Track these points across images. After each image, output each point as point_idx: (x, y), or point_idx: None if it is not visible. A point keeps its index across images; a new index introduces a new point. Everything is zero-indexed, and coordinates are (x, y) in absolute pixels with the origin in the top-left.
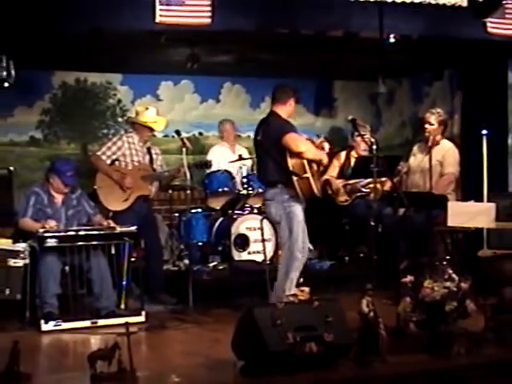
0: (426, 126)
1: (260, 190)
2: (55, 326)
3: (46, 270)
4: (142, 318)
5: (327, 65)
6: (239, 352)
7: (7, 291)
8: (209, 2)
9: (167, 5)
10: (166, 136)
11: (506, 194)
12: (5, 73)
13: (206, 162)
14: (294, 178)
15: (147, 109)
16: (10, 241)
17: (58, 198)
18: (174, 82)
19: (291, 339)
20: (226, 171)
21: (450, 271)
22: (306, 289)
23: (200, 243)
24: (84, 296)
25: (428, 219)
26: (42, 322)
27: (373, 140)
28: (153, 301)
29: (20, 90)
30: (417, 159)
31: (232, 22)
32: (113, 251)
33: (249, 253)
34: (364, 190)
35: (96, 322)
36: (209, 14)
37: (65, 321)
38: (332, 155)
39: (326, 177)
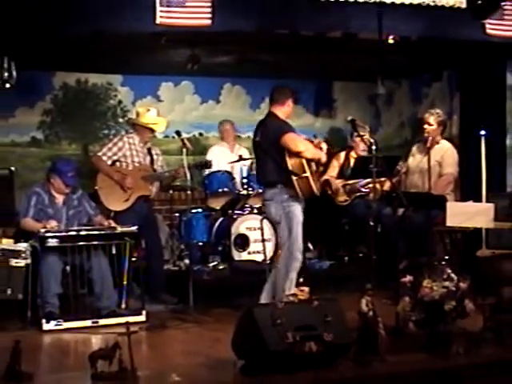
0: (425, 126)
1: (260, 191)
2: (56, 325)
3: (48, 270)
4: (142, 318)
5: (327, 66)
6: (239, 351)
7: (9, 291)
8: (209, 4)
9: (168, 6)
10: (166, 137)
11: (504, 194)
12: (6, 74)
13: (207, 162)
14: (294, 178)
15: (148, 110)
16: (12, 241)
17: (59, 199)
18: (174, 83)
19: (291, 339)
20: (226, 171)
21: (449, 271)
22: (306, 288)
23: (200, 243)
24: (85, 296)
25: (427, 219)
26: (44, 321)
27: (372, 140)
28: (153, 300)
29: (21, 90)
30: (416, 159)
31: (232, 23)
32: (114, 251)
33: (249, 253)
34: (363, 190)
35: (97, 322)
36: (209, 15)
37: (66, 320)
38: (331, 155)
39: (325, 177)
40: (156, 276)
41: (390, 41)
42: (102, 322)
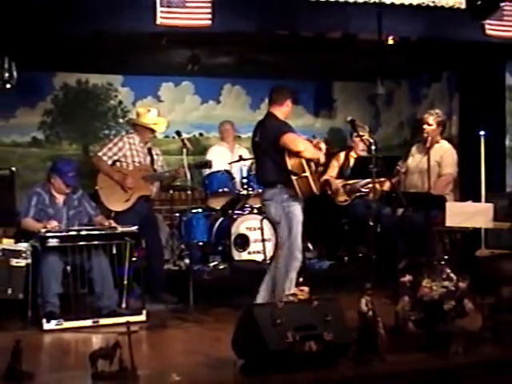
0: (425, 126)
1: (260, 191)
2: (57, 325)
3: (48, 270)
4: (143, 317)
5: (327, 66)
6: (239, 351)
7: (9, 291)
8: (209, 4)
9: (168, 7)
10: (166, 137)
11: (503, 194)
12: (7, 74)
13: (207, 161)
14: (293, 178)
15: (149, 110)
16: (12, 241)
17: (60, 199)
18: (174, 84)
19: (291, 338)
20: (226, 171)
21: (448, 271)
22: (306, 288)
23: (200, 243)
24: (85, 295)
25: (426, 219)
26: (44, 321)
27: (371, 141)
28: (154, 300)
29: (22, 91)
30: (415, 160)
31: (232, 23)
32: (114, 251)
33: (249, 253)
34: (363, 190)
35: (97, 321)
36: (209, 15)
37: (66, 320)
38: (330, 155)
39: (325, 177)
40: (156, 276)
41: (390, 41)
42: (103, 321)
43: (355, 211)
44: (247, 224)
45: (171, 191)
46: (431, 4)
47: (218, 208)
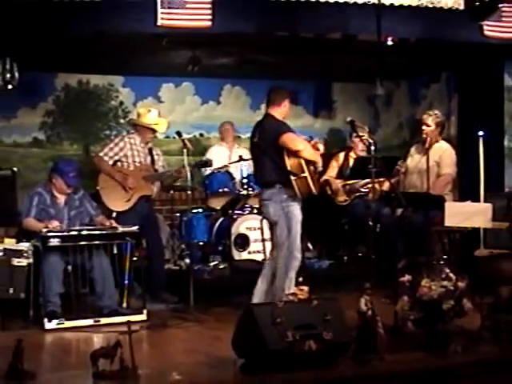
0: (424, 127)
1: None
2: (58, 324)
3: (49, 270)
4: (143, 317)
5: (326, 67)
6: (239, 350)
7: (11, 290)
8: (209, 5)
9: (168, 8)
10: (167, 137)
11: (502, 194)
12: (8, 75)
13: (207, 160)
14: (292, 178)
15: (149, 111)
16: (14, 240)
17: (61, 199)
18: (175, 84)
19: (291, 337)
20: (227, 172)
21: (447, 270)
22: (305, 288)
23: (201, 243)
24: (86, 295)
25: (425, 219)
26: (45, 320)
27: (371, 141)
28: (154, 299)
29: (23, 91)
30: (414, 160)
31: (232, 24)
32: (115, 251)
33: (249, 252)
34: (362, 190)
35: (98, 321)
36: (209, 16)
37: (68, 319)
38: (329, 156)
39: (325, 177)
40: (157, 275)
41: (389, 42)
42: (104, 320)
43: (355, 211)
44: (247, 224)
45: (172, 191)
46: (430, 5)
47: (218, 208)
